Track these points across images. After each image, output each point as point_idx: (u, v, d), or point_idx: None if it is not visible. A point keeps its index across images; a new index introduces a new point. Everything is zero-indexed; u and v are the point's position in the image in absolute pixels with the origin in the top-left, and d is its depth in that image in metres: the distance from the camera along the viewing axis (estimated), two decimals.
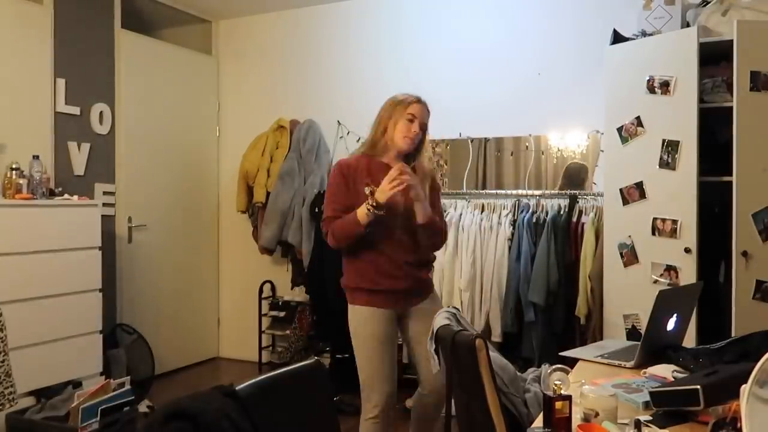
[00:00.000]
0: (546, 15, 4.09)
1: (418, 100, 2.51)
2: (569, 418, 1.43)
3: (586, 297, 3.49)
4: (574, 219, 3.69)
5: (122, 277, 4.36)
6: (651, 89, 3.16)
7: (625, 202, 3.28)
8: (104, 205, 4.04)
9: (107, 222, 4.15)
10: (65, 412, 3.06)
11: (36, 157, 3.57)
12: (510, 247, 3.75)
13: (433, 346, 2.06)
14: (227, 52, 5.20)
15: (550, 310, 3.61)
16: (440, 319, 2.01)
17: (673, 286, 3.04)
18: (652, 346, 2.04)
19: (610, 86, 3.35)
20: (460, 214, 3.93)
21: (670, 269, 3.10)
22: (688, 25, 3.26)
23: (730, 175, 2.94)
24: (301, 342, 4.60)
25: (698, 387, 1.45)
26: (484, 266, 3.80)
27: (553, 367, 1.83)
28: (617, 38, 3.37)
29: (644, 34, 3.29)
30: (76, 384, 3.49)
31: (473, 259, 3.80)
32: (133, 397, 3.17)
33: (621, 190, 3.29)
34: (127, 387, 3.18)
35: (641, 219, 3.21)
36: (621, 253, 3.29)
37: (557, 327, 3.61)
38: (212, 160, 5.16)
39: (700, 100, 3.04)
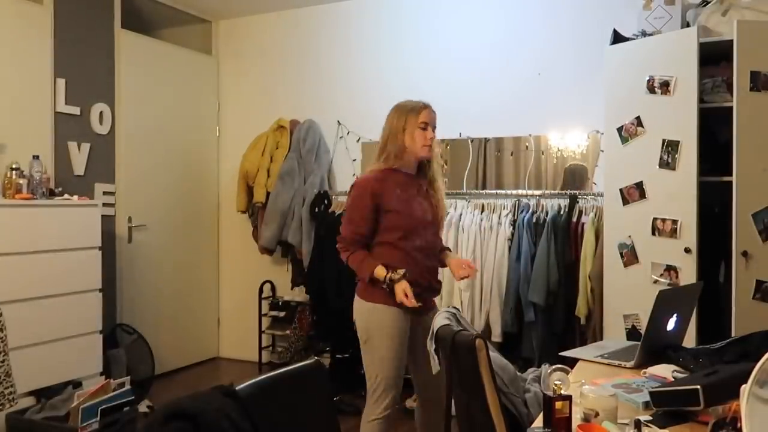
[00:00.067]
0: (546, 15, 4.09)
1: (426, 106, 2.53)
2: (569, 418, 1.43)
3: (586, 297, 3.49)
4: (574, 219, 3.69)
5: (122, 277, 4.36)
6: (651, 89, 3.16)
7: (625, 202, 3.28)
8: (104, 205, 4.04)
9: (107, 222, 4.15)
10: (65, 412, 3.06)
11: (36, 157, 3.57)
12: (510, 247, 3.75)
13: (433, 346, 2.06)
14: (227, 52, 5.20)
15: (550, 310, 3.61)
16: (440, 319, 2.01)
17: (673, 286, 3.04)
18: (652, 346, 2.04)
19: (610, 86, 3.35)
20: (460, 214, 3.93)
21: (670, 269, 3.10)
22: (688, 25, 3.26)
23: (730, 175, 2.94)
24: (301, 342, 4.60)
25: (698, 387, 1.45)
26: (484, 266, 3.80)
27: (553, 367, 1.83)
28: (617, 38, 3.37)
29: (644, 34, 3.29)
30: (76, 384, 3.49)
31: (473, 259, 3.79)
32: (133, 397, 3.17)
33: (621, 190, 3.29)
34: (127, 387, 3.18)
35: (641, 219, 3.21)
36: (621, 253, 3.29)
37: (557, 327, 3.61)
38: (212, 160, 5.16)
39: (700, 100, 3.04)
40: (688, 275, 3.03)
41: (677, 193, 3.07)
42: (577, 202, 3.74)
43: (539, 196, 3.92)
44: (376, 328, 2.46)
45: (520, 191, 4.03)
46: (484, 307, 3.79)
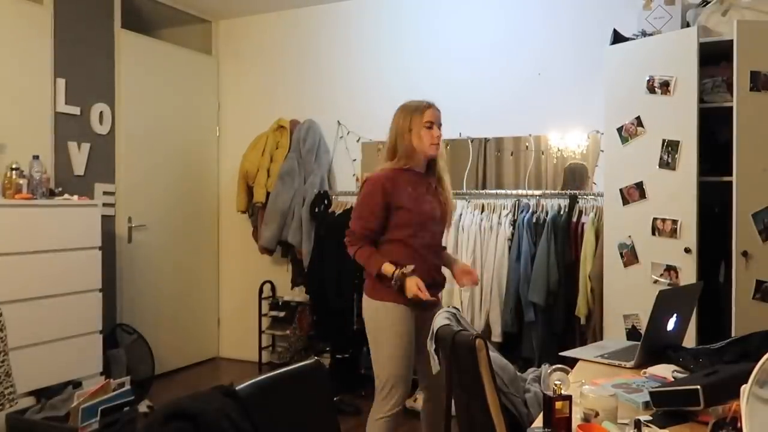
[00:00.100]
0: (546, 15, 4.09)
1: (429, 105, 2.57)
2: (569, 418, 1.43)
3: (586, 297, 3.49)
4: (574, 219, 3.69)
5: (122, 277, 4.36)
6: (651, 89, 3.16)
7: (625, 202, 3.28)
8: (104, 205, 4.04)
9: (107, 222, 4.15)
10: (65, 412, 3.06)
11: (36, 157, 3.57)
12: (510, 247, 3.75)
13: (433, 346, 2.06)
14: (227, 52, 5.20)
15: (550, 310, 3.61)
16: (440, 319, 2.01)
17: (673, 286, 3.04)
18: (652, 346, 2.04)
19: (610, 86, 3.35)
20: (460, 214, 3.93)
21: (670, 269, 3.10)
22: (688, 25, 3.26)
23: (730, 175, 2.94)
24: (301, 342, 4.60)
25: (698, 387, 1.45)
26: (484, 266, 3.80)
27: (553, 367, 1.83)
28: (617, 38, 3.37)
29: (644, 34, 3.29)
30: (76, 384, 3.49)
31: (473, 259, 3.80)
32: (133, 397, 3.17)
33: (621, 190, 3.29)
34: (127, 387, 3.17)
35: (641, 219, 3.21)
36: (621, 253, 3.29)
37: (557, 327, 3.61)
38: (212, 160, 5.16)
39: (700, 100, 3.04)
40: (688, 275, 3.03)
41: (677, 193, 3.07)
42: (577, 202, 3.74)
43: (539, 196, 3.92)
44: (383, 326, 2.49)
45: (520, 191, 4.03)
46: (484, 307, 3.79)
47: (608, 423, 1.42)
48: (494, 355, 2.01)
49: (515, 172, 4.15)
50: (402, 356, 2.48)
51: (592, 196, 3.78)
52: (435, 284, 2.62)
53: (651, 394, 1.59)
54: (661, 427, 1.43)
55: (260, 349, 4.80)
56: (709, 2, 3.22)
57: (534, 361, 3.55)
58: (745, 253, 2.90)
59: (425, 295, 2.40)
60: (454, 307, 2.28)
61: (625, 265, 3.28)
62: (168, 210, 4.73)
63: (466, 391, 1.80)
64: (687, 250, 3.03)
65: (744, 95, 2.91)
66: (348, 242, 2.55)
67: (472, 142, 4.24)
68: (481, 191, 4.16)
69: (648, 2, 3.32)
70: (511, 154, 4.16)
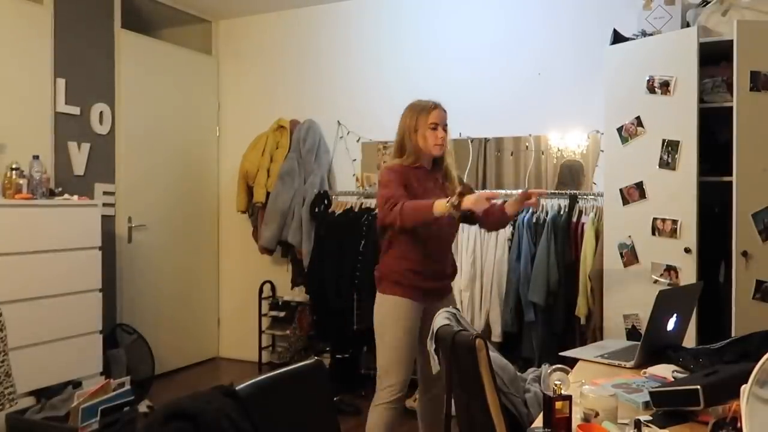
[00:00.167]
0: (546, 15, 4.09)
1: (436, 106, 2.63)
2: (569, 418, 1.43)
3: (586, 297, 3.49)
4: (574, 219, 3.69)
5: (122, 277, 4.36)
6: (651, 89, 3.16)
7: (625, 202, 3.28)
8: (104, 205, 4.04)
9: (107, 222, 4.15)
10: (65, 412, 3.06)
11: (36, 157, 3.57)
12: (510, 247, 3.75)
13: (433, 346, 2.07)
14: (227, 52, 5.20)
15: (550, 310, 3.60)
16: (440, 319, 2.01)
17: (673, 286, 3.04)
18: (652, 346, 2.04)
19: (610, 86, 3.35)
20: None
21: (670, 269, 3.10)
22: (688, 25, 3.26)
23: (730, 175, 2.94)
24: (301, 342, 4.60)
25: (698, 387, 1.45)
26: (484, 266, 3.80)
27: (553, 367, 1.83)
28: (617, 38, 3.37)
29: (644, 34, 3.29)
30: (76, 384, 3.49)
31: (473, 259, 3.80)
32: (133, 397, 3.17)
33: (621, 190, 3.29)
34: (127, 387, 3.17)
35: (641, 219, 3.21)
36: (621, 253, 3.29)
37: (557, 327, 3.61)
38: (212, 160, 5.16)
39: (700, 100, 3.04)
40: (688, 275, 3.03)
41: (677, 193, 3.07)
42: (577, 202, 3.74)
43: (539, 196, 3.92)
44: (386, 318, 2.58)
45: (520, 191, 4.01)
46: (484, 307, 3.79)
47: (608, 423, 1.42)
48: (494, 355, 2.01)
49: (515, 172, 4.15)
50: (400, 347, 2.56)
51: (592, 196, 3.78)
52: (444, 277, 2.69)
53: (651, 394, 1.59)
54: (661, 427, 1.43)
55: (260, 349, 4.80)
56: (709, 2, 3.22)
57: (534, 361, 3.55)
58: (745, 253, 2.90)
59: (494, 193, 2.49)
60: (454, 307, 2.28)
61: (625, 265, 3.28)
62: (168, 210, 4.73)
63: (466, 391, 1.80)
64: (687, 250, 3.03)
65: (744, 95, 2.91)
66: (388, 207, 2.47)
67: (472, 142, 4.24)
68: (481, 191, 4.15)
69: (648, 2, 3.32)
70: (511, 154, 4.16)
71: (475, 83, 4.25)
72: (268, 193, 4.52)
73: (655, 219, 3.15)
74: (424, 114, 2.59)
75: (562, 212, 3.73)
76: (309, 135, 4.55)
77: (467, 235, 3.85)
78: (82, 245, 3.60)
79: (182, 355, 4.83)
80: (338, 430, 1.63)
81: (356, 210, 4.29)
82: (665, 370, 1.87)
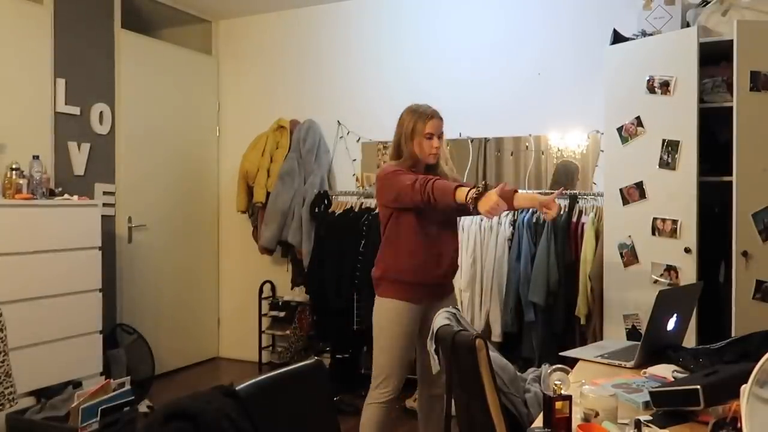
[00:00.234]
0: (546, 15, 4.09)
1: (433, 116, 2.63)
2: (569, 418, 1.43)
3: (586, 297, 3.49)
4: (574, 219, 3.69)
5: (122, 277, 4.36)
6: (651, 89, 3.16)
7: (625, 202, 3.28)
8: (104, 205, 4.04)
9: (107, 222, 4.15)
10: (65, 412, 3.06)
11: (36, 157, 3.57)
12: (510, 247, 3.75)
13: (433, 346, 2.07)
14: (227, 52, 5.20)
15: (550, 310, 3.60)
16: (440, 319, 2.01)
17: (673, 286, 3.04)
18: (652, 346, 2.04)
19: (610, 86, 3.35)
20: None
21: (670, 269, 3.10)
22: (688, 25, 3.26)
23: (730, 175, 2.94)
24: (301, 342, 4.60)
25: (698, 387, 1.45)
26: (484, 266, 3.80)
27: (553, 367, 1.83)
28: (617, 38, 3.37)
29: (644, 34, 3.29)
30: (76, 384, 3.49)
31: (473, 259, 3.80)
32: (133, 397, 3.17)
33: (621, 190, 3.29)
34: (127, 387, 3.18)
35: (641, 219, 3.21)
36: (621, 253, 3.29)
37: (557, 327, 3.61)
38: (212, 160, 5.16)
39: (700, 100, 3.04)
40: (688, 275, 3.03)
41: (677, 193, 3.07)
42: (577, 202, 3.74)
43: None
44: (384, 321, 2.60)
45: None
46: (484, 307, 3.79)
47: (608, 423, 1.42)
48: (494, 355, 2.01)
49: (515, 172, 4.15)
50: (394, 347, 2.58)
51: (592, 196, 3.78)
52: (445, 275, 2.70)
53: (651, 394, 1.59)
54: (661, 427, 1.43)
55: (260, 349, 4.80)
56: (709, 2, 3.22)
57: (534, 361, 3.55)
58: (745, 253, 2.90)
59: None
60: (454, 307, 2.28)
61: (625, 265, 3.28)
62: (168, 210, 4.73)
63: (466, 391, 1.80)
64: (687, 250, 3.03)
65: (744, 95, 2.91)
66: (419, 187, 2.43)
67: (472, 142, 4.24)
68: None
69: (648, 2, 3.32)
70: (511, 154, 4.16)
71: (475, 83, 4.25)
72: (268, 193, 4.52)
73: (655, 219, 3.15)
74: (421, 123, 2.60)
75: (562, 212, 3.73)
76: (309, 135, 4.55)
77: (467, 235, 3.85)
78: (82, 245, 3.60)
79: (182, 355, 4.83)
80: (338, 430, 1.63)
81: (356, 210, 4.29)
82: (665, 370, 1.87)
